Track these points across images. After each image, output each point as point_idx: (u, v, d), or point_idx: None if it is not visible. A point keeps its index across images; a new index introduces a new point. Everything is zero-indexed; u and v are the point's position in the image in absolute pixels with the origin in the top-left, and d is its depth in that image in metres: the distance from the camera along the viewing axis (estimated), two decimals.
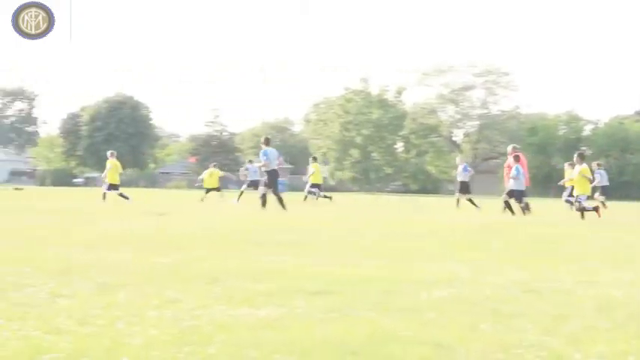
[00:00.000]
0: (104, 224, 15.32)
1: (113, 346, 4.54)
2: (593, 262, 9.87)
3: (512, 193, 23.97)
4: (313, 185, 33.27)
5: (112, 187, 28.78)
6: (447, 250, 11.05)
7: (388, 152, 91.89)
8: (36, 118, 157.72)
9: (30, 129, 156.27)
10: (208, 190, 34.89)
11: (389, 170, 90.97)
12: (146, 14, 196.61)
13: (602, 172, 31.83)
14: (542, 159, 79.73)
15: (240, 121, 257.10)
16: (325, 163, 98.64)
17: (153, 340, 4.74)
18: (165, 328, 5.05)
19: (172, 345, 4.60)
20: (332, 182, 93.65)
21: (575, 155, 23.03)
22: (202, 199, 33.56)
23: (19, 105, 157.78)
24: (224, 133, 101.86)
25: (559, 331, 5.31)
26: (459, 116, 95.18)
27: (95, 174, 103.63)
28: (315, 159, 35.13)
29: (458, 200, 29.87)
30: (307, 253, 10.04)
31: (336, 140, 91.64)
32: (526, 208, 23.71)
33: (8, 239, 11.22)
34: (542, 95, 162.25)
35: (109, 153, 29.90)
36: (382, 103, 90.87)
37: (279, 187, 24.74)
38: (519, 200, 23.79)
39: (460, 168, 30.50)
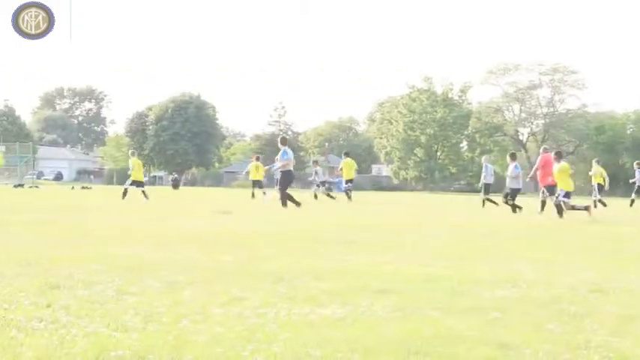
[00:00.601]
0: (171, 223, 15.49)
1: (178, 344, 4.59)
2: None
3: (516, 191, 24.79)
4: (347, 181, 33.35)
5: (136, 183, 29.63)
6: (511, 250, 10.95)
7: (453, 151, 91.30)
8: (104, 118, 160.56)
9: (98, 128, 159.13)
10: (255, 184, 35.26)
11: (453, 169, 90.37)
12: (146, 14, 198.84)
13: None
14: (609, 158, 78.30)
15: (305, 120, 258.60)
16: (388, 162, 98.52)
17: (218, 337, 4.78)
18: (231, 326, 5.09)
19: (237, 342, 4.64)
20: (395, 181, 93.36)
21: (553, 154, 22.23)
22: (253, 195, 34.40)
23: (87, 105, 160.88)
24: (288, 132, 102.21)
25: (627, 332, 5.24)
26: (524, 115, 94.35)
27: (161, 173, 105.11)
28: (347, 154, 35.01)
29: (491, 200, 28.70)
30: (371, 252, 10.03)
31: (401, 139, 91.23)
32: (511, 206, 24.19)
33: (79, 237, 11.41)
34: (611, 94, 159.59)
35: (130, 152, 32.46)
36: (447, 102, 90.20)
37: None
38: (513, 198, 24.38)
39: (484, 169, 29.13)
